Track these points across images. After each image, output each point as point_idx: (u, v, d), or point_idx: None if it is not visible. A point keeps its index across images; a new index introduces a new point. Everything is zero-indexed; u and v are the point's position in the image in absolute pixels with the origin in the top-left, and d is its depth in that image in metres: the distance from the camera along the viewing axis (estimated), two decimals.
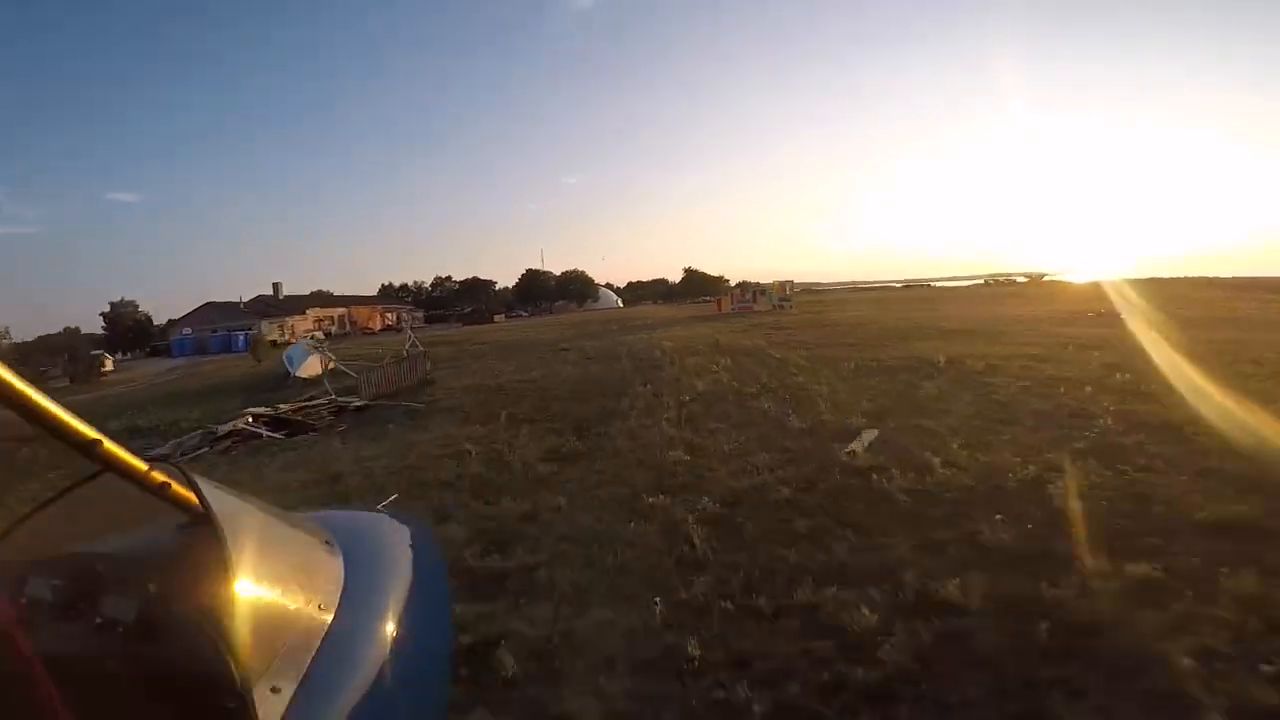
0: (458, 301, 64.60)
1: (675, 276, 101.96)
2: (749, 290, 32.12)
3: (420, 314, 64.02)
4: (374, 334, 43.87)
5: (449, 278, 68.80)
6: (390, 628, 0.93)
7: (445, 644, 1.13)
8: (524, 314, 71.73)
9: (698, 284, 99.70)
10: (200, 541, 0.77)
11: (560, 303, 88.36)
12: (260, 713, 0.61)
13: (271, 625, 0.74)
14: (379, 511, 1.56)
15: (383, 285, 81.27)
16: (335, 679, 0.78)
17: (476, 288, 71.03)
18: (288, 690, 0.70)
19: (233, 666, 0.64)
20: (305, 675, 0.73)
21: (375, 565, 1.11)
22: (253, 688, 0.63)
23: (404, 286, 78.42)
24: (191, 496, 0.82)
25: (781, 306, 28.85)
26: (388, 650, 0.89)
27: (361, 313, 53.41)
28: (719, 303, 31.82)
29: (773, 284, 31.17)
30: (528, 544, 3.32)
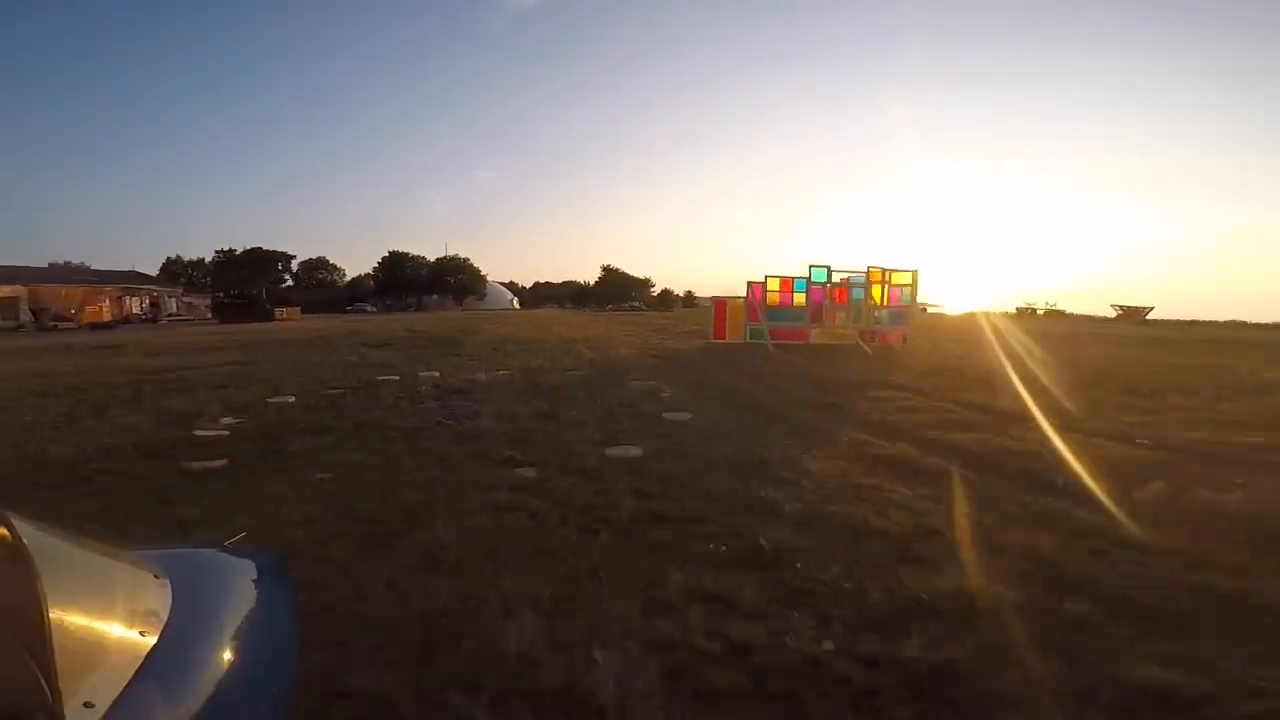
0: (239, 283, 53.80)
1: (592, 277, 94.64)
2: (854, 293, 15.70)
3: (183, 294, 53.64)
4: (89, 327, 31.82)
5: (231, 250, 57.71)
6: (217, 658, 0.98)
7: (282, 679, 1.13)
8: (369, 309, 65.80)
9: (618, 286, 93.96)
10: (13, 573, 0.84)
11: (434, 297, 79.95)
12: None
13: (88, 648, 0.83)
14: (224, 548, 1.67)
15: (168, 258, 68.34)
16: (152, 700, 0.86)
17: (261, 262, 57.42)
18: (102, 705, 0.79)
19: (43, 684, 0.71)
20: (122, 694, 0.81)
21: (208, 598, 1.14)
22: (65, 704, 0.72)
23: (196, 261, 67.75)
24: (3, 531, 0.87)
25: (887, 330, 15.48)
26: (214, 679, 0.96)
27: (57, 294, 37.35)
28: (722, 315, 16.95)
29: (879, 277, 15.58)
30: None
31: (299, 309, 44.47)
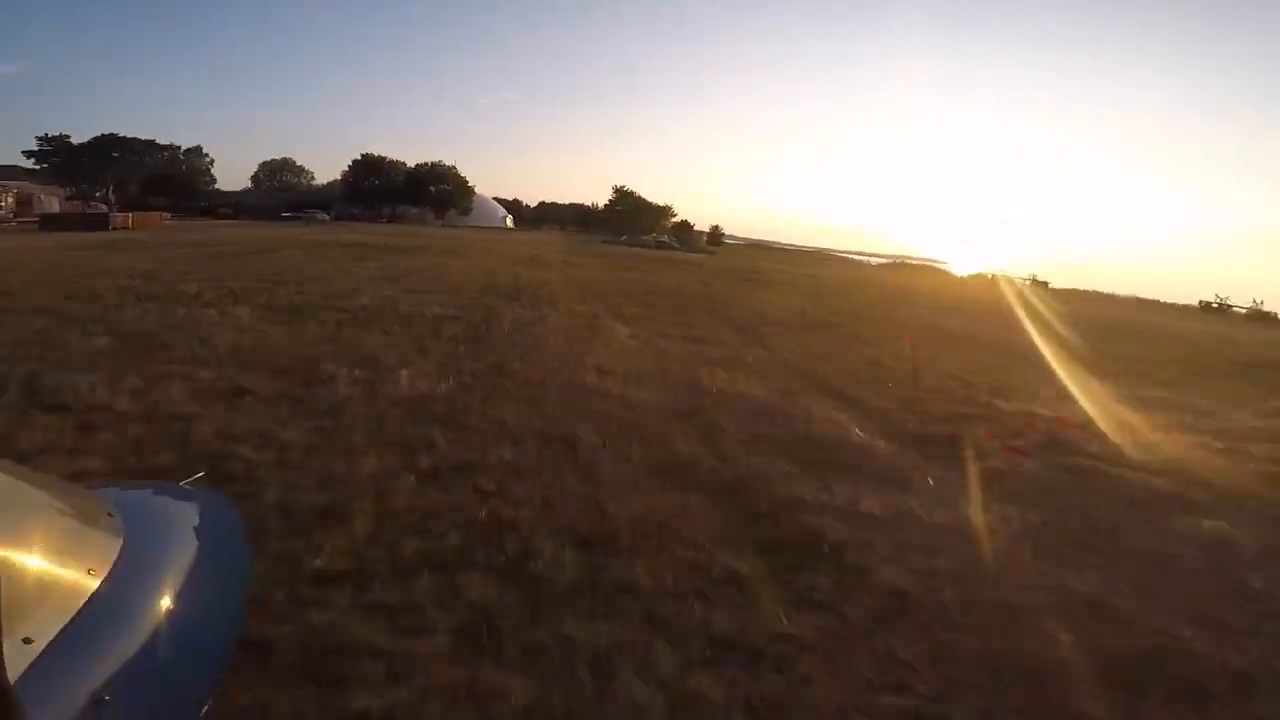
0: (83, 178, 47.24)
1: (602, 199, 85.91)
2: None
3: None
4: None
5: (65, 136, 51.14)
6: (165, 599, 1.03)
7: (228, 623, 1.22)
8: (321, 217, 55.82)
9: (632, 212, 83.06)
10: None
11: (409, 209, 71.77)
12: (9, 660, 0.73)
13: (31, 585, 0.88)
14: (179, 487, 1.66)
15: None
16: (95, 638, 0.90)
17: (106, 152, 50.48)
18: (41, 642, 0.83)
19: None
20: (63, 631, 0.86)
21: (160, 538, 1.21)
22: (4, 638, 0.73)
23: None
24: None
25: None
26: (159, 619, 1.00)
27: None
28: None
29: None
30: None
31: (164, 214, 39.73)
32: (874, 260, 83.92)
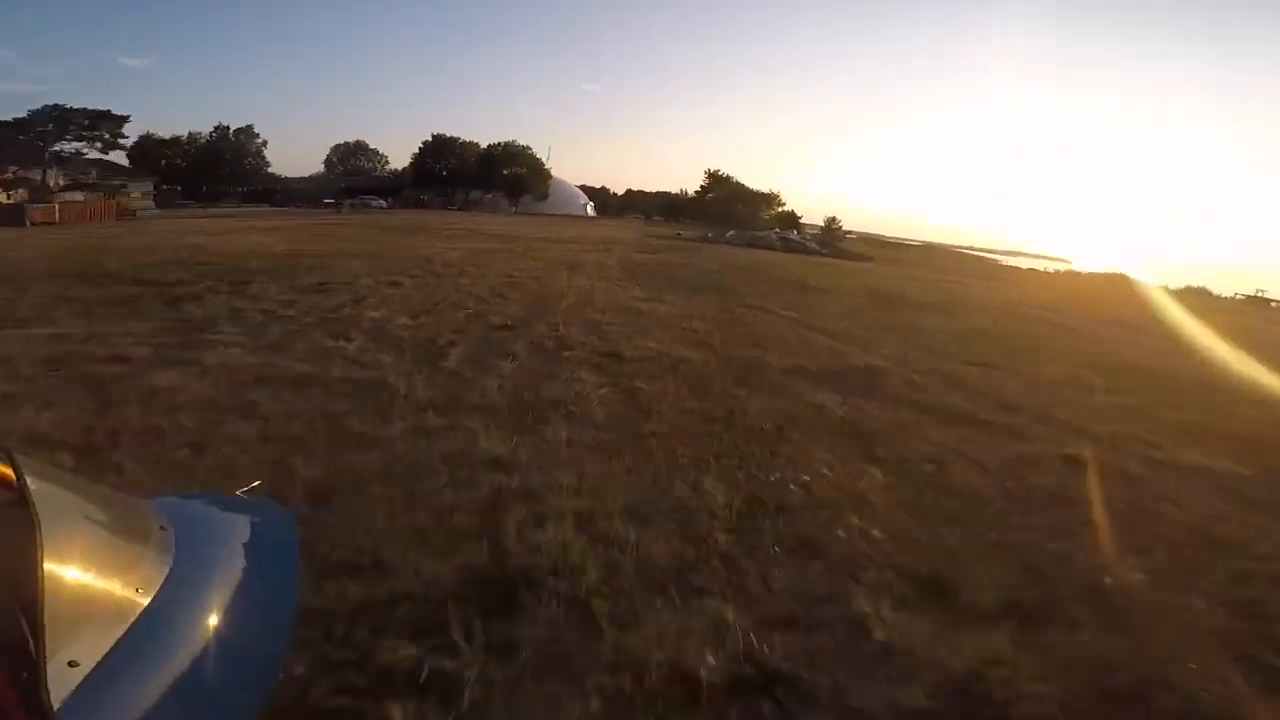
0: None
1: (692, 186, 77.00)
2: None
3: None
4: None
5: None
6: (214, 618, 1.03)
7: (277, 642, 1.21)
8: (377, 204, 51.90)
9: (728, 202, 72.32)
10: (12, 521, 0.88)
11: (482, 195, 67.01)
12: (53, 684, 0.73)
13: (79, 604, 0.87)
14: (236, 497, 1.70)
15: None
16: (141, 660, 0.89)
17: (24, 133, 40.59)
18: (87, 665, 0.82)
19: (29, 640, 0.75)
20: (109, 654, 0.85)
21: (212, 554, 1.21)
22: (49, 660, 0.74)
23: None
24: (10, 474, 0.94)
25: None
26: (207, 639, 0.99)
27: None
28: None
29: None
30: None
31: (123, 202, 33.17)
32: (1003, 259, 76.24)
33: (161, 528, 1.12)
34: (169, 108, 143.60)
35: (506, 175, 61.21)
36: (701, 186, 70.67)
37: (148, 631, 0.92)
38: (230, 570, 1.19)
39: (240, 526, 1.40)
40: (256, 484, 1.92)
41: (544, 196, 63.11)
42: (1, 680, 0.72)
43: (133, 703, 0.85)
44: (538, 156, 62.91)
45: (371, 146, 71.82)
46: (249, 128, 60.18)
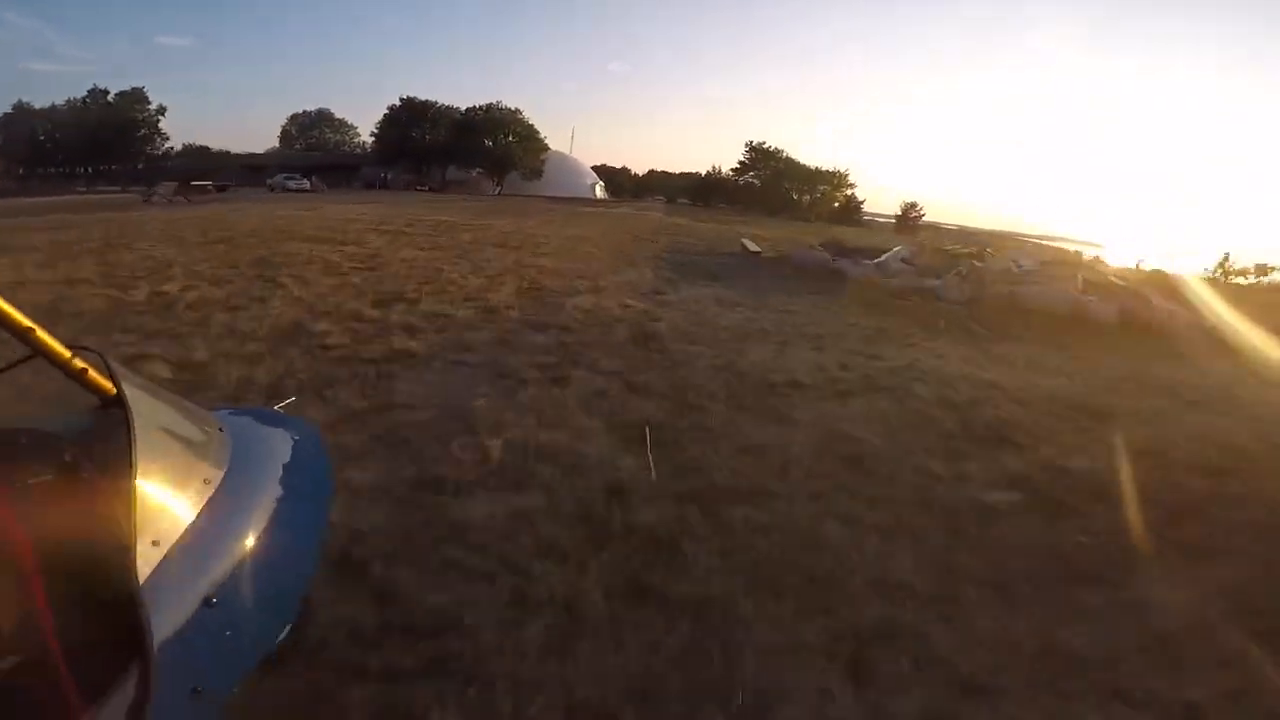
0: None
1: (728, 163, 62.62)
2: None
3: None
4: None
5: None
6: (265, 509, 1.31)
7: (315, 536, 1.51)
8: (296, 183, 40.81)
9: (774, 180, 58.96)
10: (110, 420, 1.14)
11: (468, 174, 54.01)
12: (141, 561, 0.93)
13: (160, 492, 1.08)
14: (275, 411, 2.12)
15: None
16: (208, 542, 1.11)
17: None
18: (166, 544, 1.01)
19: (122, 523, 0.95)
20: (182, 535, 1.05)
21: (261, 455, 1.50)
22: (137, 540, 0.94)
23: None
24: (108, 382, 1.22)
25: None
26: (261, 527, 1.25)
27: None
28: None
29: None
30: None
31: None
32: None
33: (220, 429, 1.40)
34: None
35: (490, 147, 47.93)
36: (740, 162, 56.30)
37: (213, 518, 1.15)
38: (274, 471, 1.46)
39: (280, 434, 1.73)
40: (291, 400, 2.55)
41: (537, 173, 49.95)
42: (102, 557, 0.91)
43: (201, 580, 1.06)
44: (529, 122, 49.90)
45: (338, 117, 59.78)
46: (138, 90, 48.16)
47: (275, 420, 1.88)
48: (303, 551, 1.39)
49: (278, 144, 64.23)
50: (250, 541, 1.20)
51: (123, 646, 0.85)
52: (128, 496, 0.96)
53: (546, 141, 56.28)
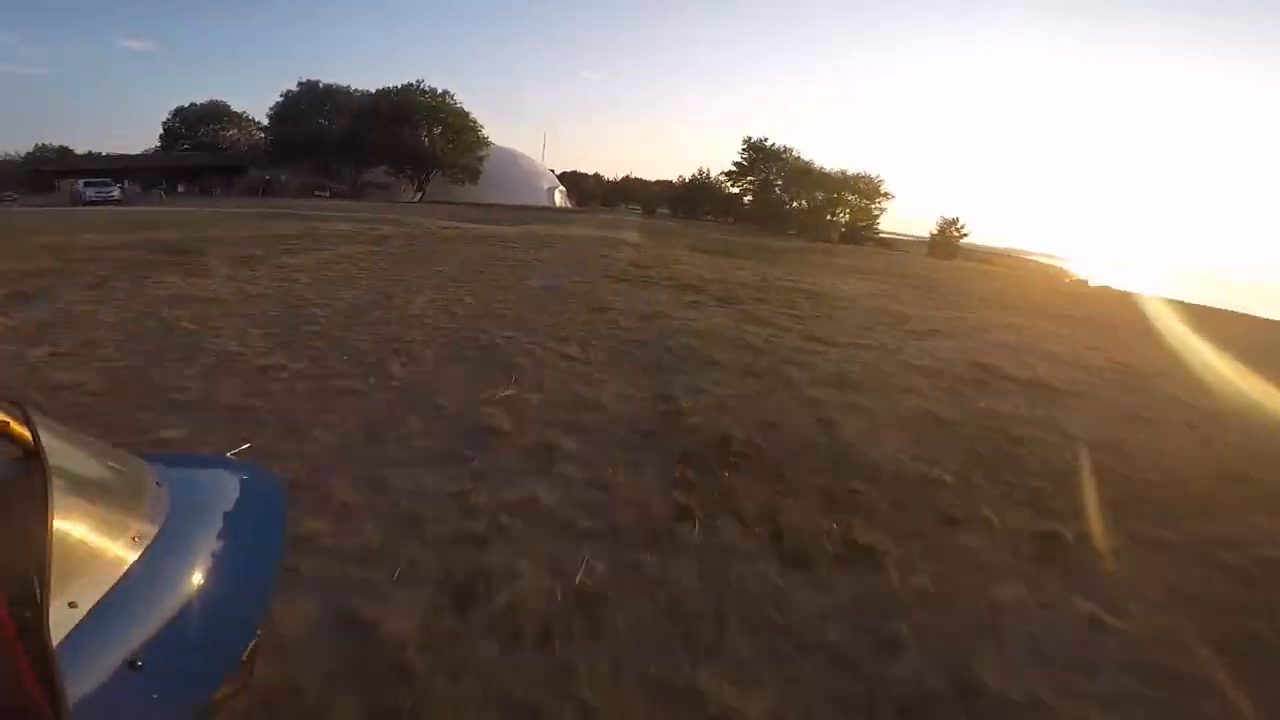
0: None
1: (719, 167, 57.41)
2: None
3: None
4: None
5: None
6: (203, 567, 1.23)
7: (260, 595, 1.44)
8: (109, 193, 31.31)
9: (782, 188, 49.19)
10: (28, 474, 1.03)
11: (394, 176, 43.45)
12: (54, 622, 0.87)
13: (81, 552, 1.04)
14: (229, 458, 2.02)
15: None
16: (134, 605, 1.05)
17: None
18: (85, 606, 0.98)
19: (35, 583, 0.87)
20: (104, 597, 1.01)
21: (204, 509, 1.42)
22: (50, 601, 0.88)
23: None
24: (27, 434, 1.10)
25: None
26: (195, 590, 1.18)
27: None
28: None
29: None
30: None
31: None
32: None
33: (158, 484, 1.34)
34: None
35: (406, 140, 36.28)
36: (737, 164, 44.82)
37: (141, 579, 1.09)
38: (220, 529, 1.38)
39: (231, 486, 1.64)
40: (246, 446, 2.38)
41: (473, 176, 38.11)
42: (5, 616, 0.85)
43: (124, 643, 1.02)
44: (462, 109, 38.53)
45: (236, 110, 49.40)
46: None
47: (227, 468, 1.88)
48: (245, 611, 1.36)
49: (159, 143, 55.62)
50: (185, 599, 1.20)
51: (33, 710, 0.85)
52: (41, 556, 0.95)
53: (486, 136, 48.49)
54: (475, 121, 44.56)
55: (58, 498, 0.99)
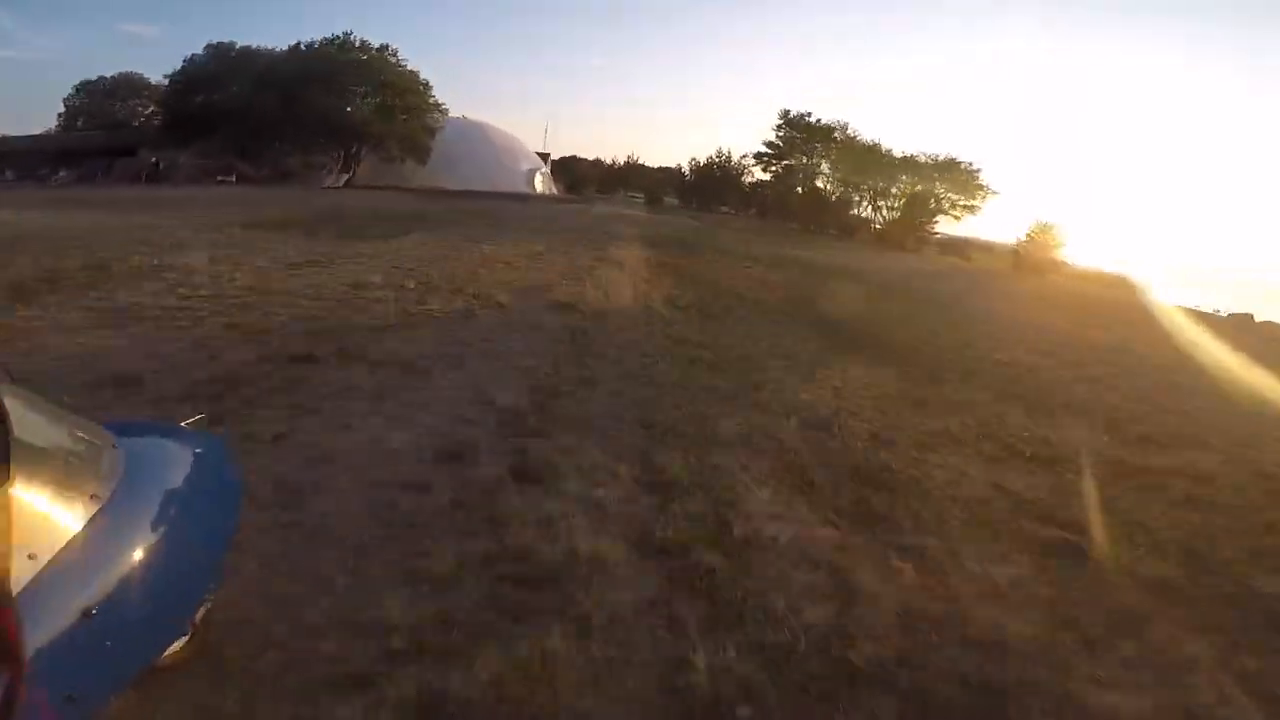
0: None
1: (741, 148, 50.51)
2: None
3: None
4: None
5: None
6: (159, 525, 1.45)
7: (214, 553, 1.66)
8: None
9: (833, 171, 41.02)
10: None
11: (325, 162, 34.60)
12: (16, 572, 1.05)
13: (40, 506, 1.21)
14: (182, 427, 2.08)
15: None
16: (90, 555, 1.24)
17: None
18: (43, 557, 1.16)
19: None
20: (63, 549, 1.20)
21: (158, 471, 1.63)
22: (11, 551, 1.04)
23: None
24: None
25: None
26: (152, 542, 1.40)
27: None
28: None
29: None
30: None
31: None
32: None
33: (113, 446, 1.53)
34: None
35: (317, 105, 26.77)
36: (769, 145, 34.81)
37: (97, 534, 1.30)
38: (173, 487, 1.62)
39: (184, 451, 1.83)
40: (200, 416, 2.33)
41: (418, 152, 28.27)
42: None
43: (80, 593, 1.22)
44: (407, 70, 28.96)
45: (154, 82, 44.59)
46: None
47: (179, 436, 1.99)
48: (199, 568, 1.58)
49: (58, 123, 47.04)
50: (138, 556, 1.39)
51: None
52: (3, 509, 1.09)
53: (441, 103, 39.02)
54: (425, 84, 36.07)
55: (18, 456, 1.18)
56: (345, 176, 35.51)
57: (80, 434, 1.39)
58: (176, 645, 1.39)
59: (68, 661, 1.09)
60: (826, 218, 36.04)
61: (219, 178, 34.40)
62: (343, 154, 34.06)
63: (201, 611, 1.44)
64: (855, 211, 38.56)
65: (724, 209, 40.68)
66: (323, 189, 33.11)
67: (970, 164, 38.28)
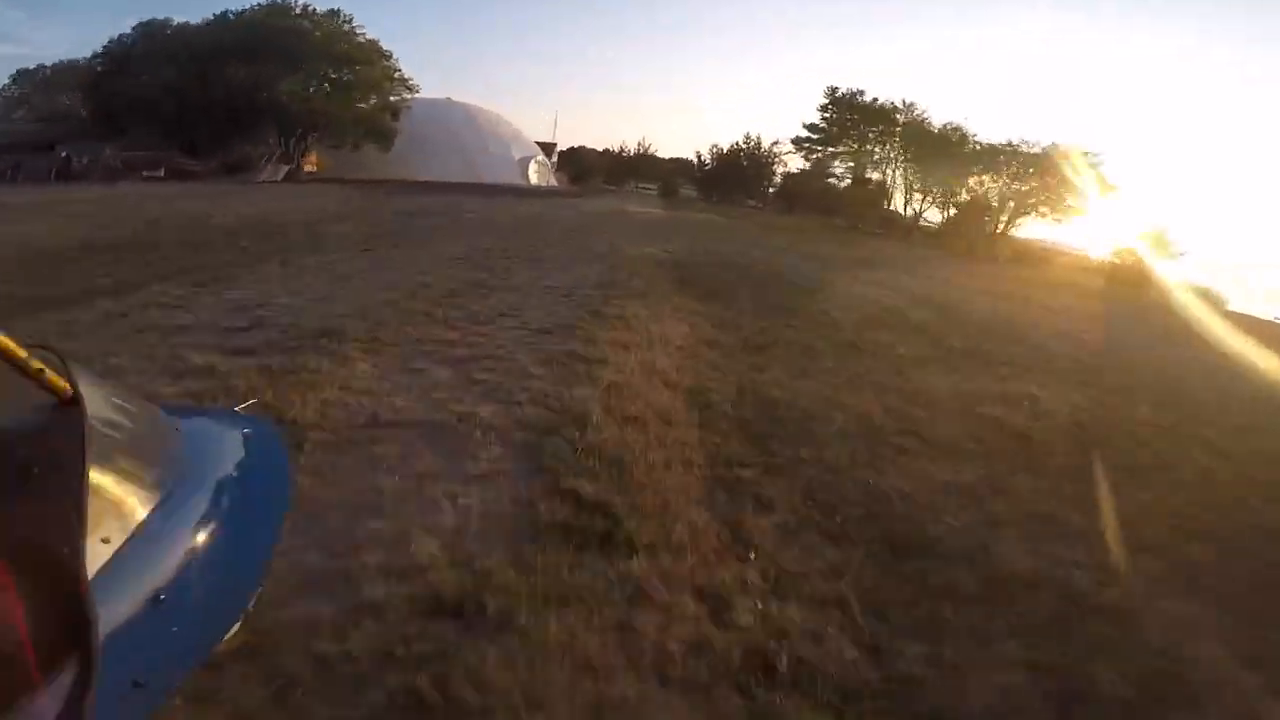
0: None
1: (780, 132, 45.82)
2: None
3: None
4: None
5: None
6: (218, 512, 1.37)
7: (266, 542, 1.54)
8: None
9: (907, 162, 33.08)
10: (65, 420, 1.15)
11: (271, 154, 25.81)
12: (90, 557, 1.00)
13: (113, 491, 1.18)
14: (236, 412, 2.61)
15: None
16: (159, 541, 1.17)
17: None
18: (116, 542, 1.10)
19: (73, 520, 0.99)
20: (133, 533, 1.13)
21: (217, 458, 1.59)
22: (87, 537, 1.00)
23: None
24: (64, 382, 1.22)
25: None
26: (213, 529, 1.32)
27: None
28: None
29: None
30: None
31: None
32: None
33: (177, 429, 1.54)
34: None
35: (246, 84, 21.22)
36: (813, 127, 28.56)
37: (164, 518, 1.22)
38: (230, 473, 1.56)
39: (239, 435, 1.82)
40: (252, 401, 2.65)
41: (380, 136, 22.35)
42: (49, 552, 0.96)
43: (150, 577, 1.13)
44: (371, 40, 23.57)
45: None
46: None
47: (235, 422, 2.08)
48: (256, 554, 1.50)
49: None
50: (201, 542, 1.32)
51: (67, 637, 0.91)
52: (79, 494, 1.05)
53: (408, 78, 34.67)
54: (386, 54, 30.50)
55: (92, 439, 1.11)
56: (285, 168, 29.67)
57: (146, 418, 1.40)
58: (230, 632, 1.24)
59: (138, 647, 0.98)
60: (876, 213, 31.12)
61: (144, 173, 29.39)
62: (281, 141, 29.27)
63: (254, 599, 1.26)
64: (913, 208, 33.35)
65: (751, 203, 35.27)
66: (258, 184, 27.21)
67: (1090, 153, 31.19)
